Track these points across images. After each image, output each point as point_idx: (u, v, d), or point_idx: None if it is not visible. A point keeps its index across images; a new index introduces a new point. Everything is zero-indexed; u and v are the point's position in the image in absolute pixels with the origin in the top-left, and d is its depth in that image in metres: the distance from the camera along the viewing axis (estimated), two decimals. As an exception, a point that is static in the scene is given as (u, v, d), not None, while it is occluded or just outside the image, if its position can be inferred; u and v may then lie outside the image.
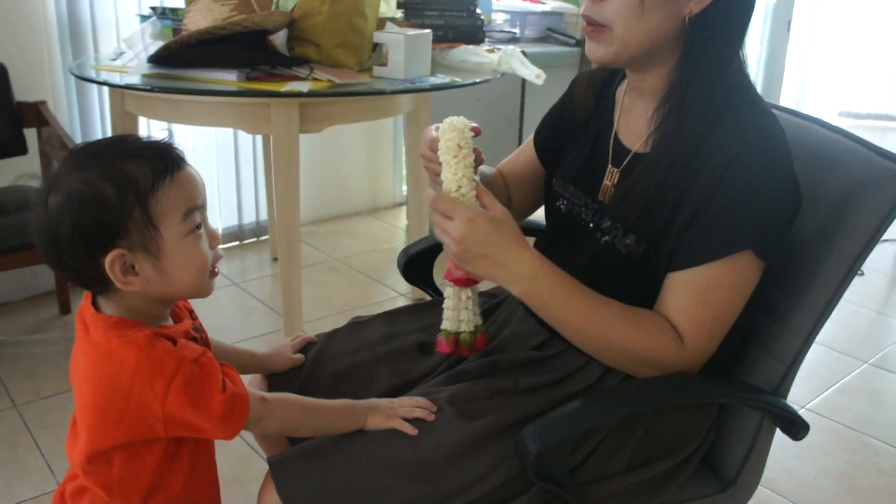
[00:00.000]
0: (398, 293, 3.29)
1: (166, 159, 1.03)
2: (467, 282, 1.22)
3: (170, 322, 1.13)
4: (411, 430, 1.14)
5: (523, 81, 3.08)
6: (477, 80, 2.52)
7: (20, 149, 2.78)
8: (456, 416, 1.16)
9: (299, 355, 1.37)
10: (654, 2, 1.08)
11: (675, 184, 1.13)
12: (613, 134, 1.28)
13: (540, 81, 2.61)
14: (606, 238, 1.21)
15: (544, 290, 1.12)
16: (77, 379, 1.08)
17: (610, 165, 1.26)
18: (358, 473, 1.12)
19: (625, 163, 1.24)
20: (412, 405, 1.17)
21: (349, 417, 1.17)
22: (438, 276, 1.61)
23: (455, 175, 1.14)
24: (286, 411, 1.14)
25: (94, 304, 1.09)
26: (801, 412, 2.49)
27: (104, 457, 1.06)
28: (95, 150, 1.03)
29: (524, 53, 2.82)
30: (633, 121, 1.25)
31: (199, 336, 1.15)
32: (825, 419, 2.47)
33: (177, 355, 1.02)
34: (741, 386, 1.25)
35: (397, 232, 4.05)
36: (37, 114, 2.77)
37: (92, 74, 2.44)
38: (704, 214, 1.10)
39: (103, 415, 1.03)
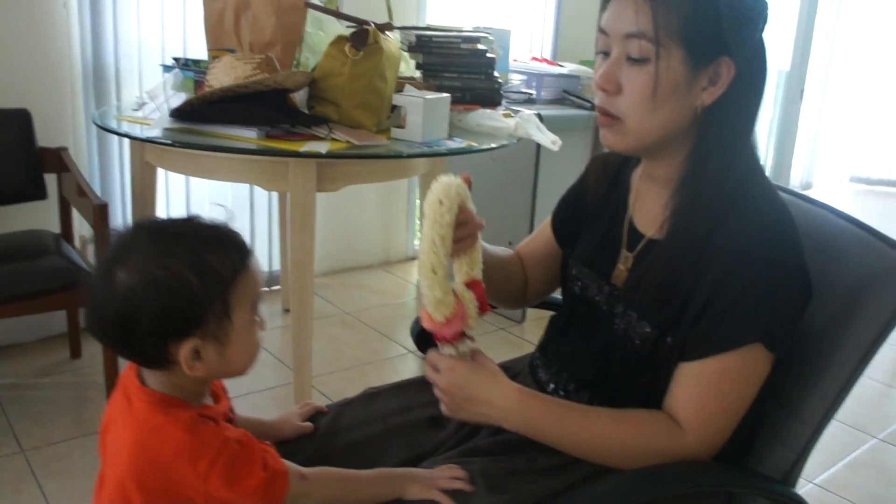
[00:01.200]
0: (407, 350, 3.30)
1: (242, 251, 1.06)
2: (454, 336, 1.21)
3: (209, 400, 1.14)
4: (450, 503, 1.14)
5: (537, 146, 3.11)
6: (493, 146, 2.54)
7: (40, 193, 2.82)
8: (485, 491, 1.16)
9: (308, 423, 1.38)
10: (667, 96, 1.11)
11: (688, 273, 1.14)
12: (628, 218, 1.30)
13: (556, 148, 2.64)
14: (620, 324, 1.23)
15: (534, 418, 1.18)
16: (113, 448, 1.09)
17: (624, 250, 1.28)
18: None
19: (639, 248, 1.26)
20: (451, 476, 1.18)
21: (388, 487, 1.19)
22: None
23: (430, 230, 1.12)
24: (326, 487, 1.15)
25: (138, 373, 1.09)
26: (810, 488, 2.47)
27: None
28: (174, 235, 1.04)
29: (540, 116, 2.85)
30: (648, 206, 1.27)
31: (233, 417, 1.17)
32: (834, 496, 2.45)
33: (221, 436, 1.04)
34: (751, 475, 1.24)
35: (409, 287, 4.06)
36: (58, 159, 2.81)
37: (114, 124, 2.47)
38: (715, 306, 1.11)
39: (142, 486, 1.03)
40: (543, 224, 1.51)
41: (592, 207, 1.38)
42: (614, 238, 1.30)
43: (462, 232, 1.19)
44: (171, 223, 1.06)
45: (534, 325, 3.59)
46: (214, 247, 1.03)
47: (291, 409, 1.41)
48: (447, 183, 1.14)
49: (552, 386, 1.32)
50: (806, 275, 1.13)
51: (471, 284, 1.22)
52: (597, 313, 1.29)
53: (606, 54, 1.15)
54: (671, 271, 1.15)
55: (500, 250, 1.46)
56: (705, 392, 1.12)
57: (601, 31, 1.16)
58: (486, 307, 1.21)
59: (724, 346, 1.11)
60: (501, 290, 1.45)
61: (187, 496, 1.03)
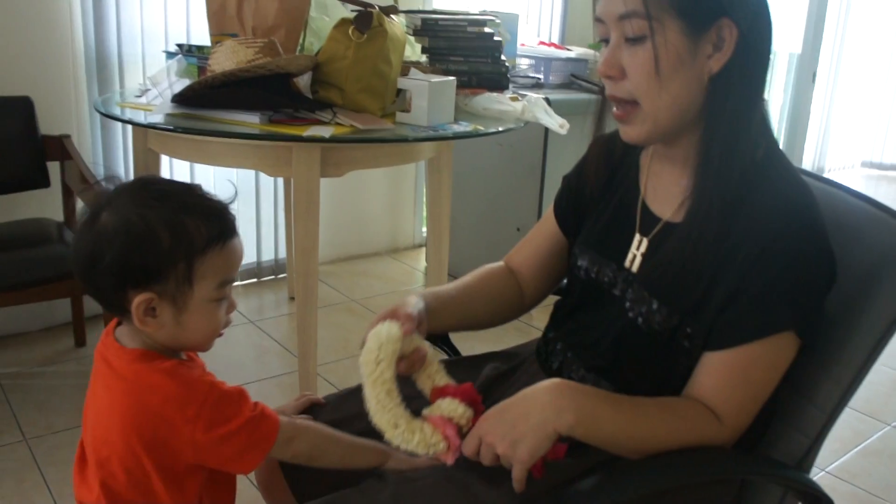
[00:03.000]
0: (414, 337, 3.26)
1: (224, 225, 1.08)
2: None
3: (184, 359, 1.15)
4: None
5: (545, 129, 3.07)
6: (500, 129, 2.50)
7: (43, 182, 2.80)
8: (480, 482, 1.13)
9: (303, 416, 1.34)
10: (671, 71, 1.07)
11: (712, 257, 1.10)
12: (641, 200, 1.26)
13: (563, 131, 2.60)
14: (636, 310, 1.18)
15: (586, 403, 1.07)
16: (98, 416, 1.10)
17: (638, 234, 1.24)
18: None
19: (655, 231, 1.21)
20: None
21: (374, 454, 1.20)
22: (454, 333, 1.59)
23: (373, 389, 1.09)
24: (316, 436, 1.18)
25: (116, 338, 1.11)
26: (822, 475, 2.44)
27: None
28: (163, 192, 1.06)
29: (547, 100, 2.81)
30: (663, 187, 1.23)
31: None
32: (846, 483, 2.42)
33: (206, 380, 1.07)
34: (765, 461, 1.21)
35: (416, 274, 4.03)
36: (60, 147, 2.79)
37: (116, 111, 2.45)
38: (745, 293, 1.08)
39: (142, 438, 1.05)
40: (540, 223, 1.46)
41: (596, 191, 1.34)
42: (625, 221, 1.26)
43: (407, 364, 1.17)
44: (168, 183, 1.10)
45: (540, 312, 3.52)
46: (197, 214, 1.05)
47: (288, 403, 1.38)
48: (382, 339, 1.11)
49: (562, 371, 1.28)
50: (832, 257, 1.10)
51: (439, 392, 1.16)
52: (609, 299, 1.25)
53: (607, 41, 1.12)
54: (693, 255, 1.11)
55: (471, 280, 1.41)
56: (735, 381, 1.09)
57: (597, 19, 1.13)
58: (475, 398, 1.15)
59: (756, 335, 1.08)
60: (491, 315, 1.41)
61: (177, 446, 1.05)
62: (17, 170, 2.75)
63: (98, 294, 1.07)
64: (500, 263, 1.47)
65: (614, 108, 1.15)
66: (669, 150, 1.20)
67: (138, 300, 1.03)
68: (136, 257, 1.01)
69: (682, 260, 1.12)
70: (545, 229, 1.44)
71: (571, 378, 1.26)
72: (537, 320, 3.47)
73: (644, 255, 1.22)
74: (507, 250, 1.48)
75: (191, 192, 1.09)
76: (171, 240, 1.02)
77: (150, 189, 1.06)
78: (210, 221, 1.05)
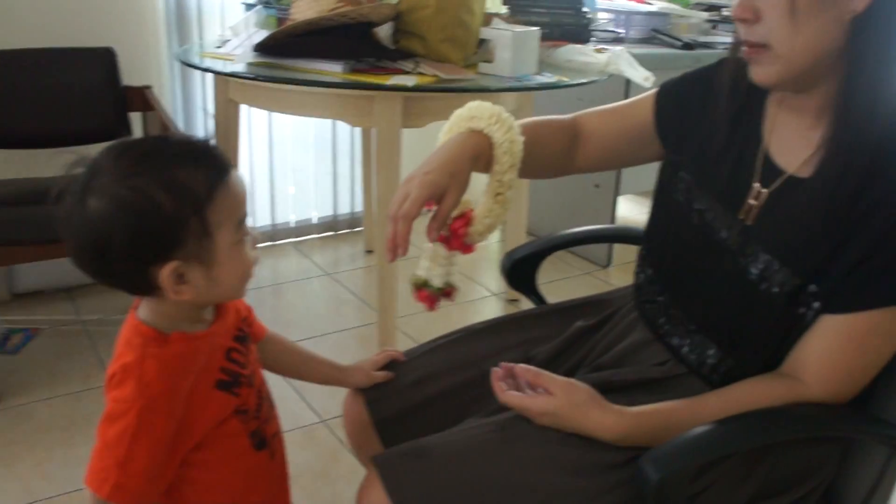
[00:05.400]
0: (491, 292, 3.25)
1: (218, 164, 0.99)
2: (453, 245, 1.24)
3: (205, 321, 1.09)
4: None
5: (627, 82, 3.00)
6: (584, 81, 2.45)
7: (125, 132, 2.83)
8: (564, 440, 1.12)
9: (382, 373, 1.33)
10: (808, 9, 0.99)
11: (843, 217, 1.03)
12: (763, 150, 1.16)
13: (648, 84, 2.53)
14: (754, 269, 1.11)
15: (639, 438, 1.10)
16: None
17: (757, 184, 1.15)
18: (479, 472, 1.09)
19: (776, 184, 1.13)
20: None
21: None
22: (542, 282, 1.56)
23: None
24: None
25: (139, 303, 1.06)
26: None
27: None
28: (141, 154, 0.97)
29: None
30: (788, 138, 1.14)
31: (244, 333, 1.15)
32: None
33: (140, 395, 0.98)
34: (871, 420, 1.16)
35: (492, 229, 3.99)
36: (142, 98, 2.82)
37: (197, 61, 2.45)
38: (876, 259, 1.01)
39: None
40: (632, 105, 1.36)
41: (715, 120, 1.22)
42: (744, 169, 1.17)
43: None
44: (140, 142, 1.00)
45: (620, 270, 3.50)
46: (186, 162, 0.96)
47: (369, 358, 1.36)
48: None
49: (667, 327, 1.24)
50: None
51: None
52: (721, 250, 1.16)
53: None
54: (824, 214, 1.04)
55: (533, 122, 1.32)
56: (848, 346, 1.05)
57: None
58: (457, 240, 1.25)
59: (883, 302, 1.02)
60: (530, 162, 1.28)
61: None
62: (100, 120, 2.78)
63: (118, 282, 1.00)
64: (566, 118, 1.38)
65: (744, 49, 1.07)
66: (802, 100, 1.11)
67: (165, 273, 0.96)
68: (146, 233, 0.93)
69: (810, 218, 1.05)
70: (636, 113, 1.34)
71: (674, 339, 1.22)
72: (615, 278, 3.43)
73: (762, 209, 1.14)
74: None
75: (168, 143, 1.00)
76: (173, 200, 0.93)
77: (126, 156, 0.96)
78: (202, 164, 0.97)
